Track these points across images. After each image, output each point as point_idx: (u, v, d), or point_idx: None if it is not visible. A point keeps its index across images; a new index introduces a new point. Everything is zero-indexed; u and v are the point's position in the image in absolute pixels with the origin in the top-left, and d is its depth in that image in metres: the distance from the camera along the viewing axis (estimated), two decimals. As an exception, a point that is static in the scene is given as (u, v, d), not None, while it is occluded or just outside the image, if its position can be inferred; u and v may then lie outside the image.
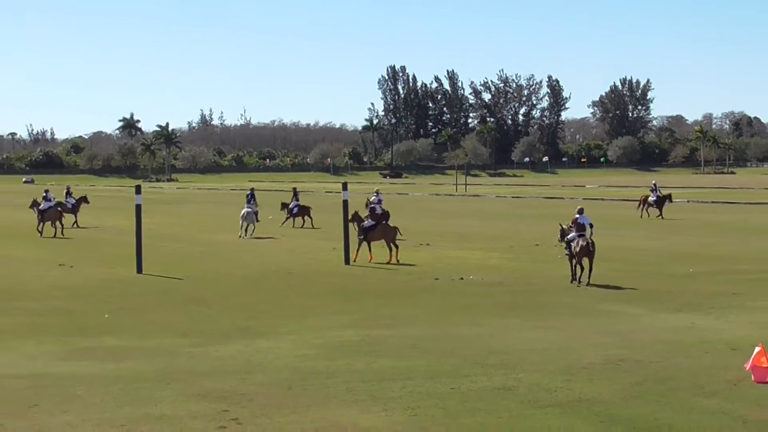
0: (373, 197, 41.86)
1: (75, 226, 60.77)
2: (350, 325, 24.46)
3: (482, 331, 23.34)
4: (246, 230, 52.94)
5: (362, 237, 39.93)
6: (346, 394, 16.93)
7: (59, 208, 57.72)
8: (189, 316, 26.44)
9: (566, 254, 33.02)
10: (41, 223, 55.07)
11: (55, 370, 19.37)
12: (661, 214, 65.09)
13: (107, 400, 16.71)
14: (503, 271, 35.47)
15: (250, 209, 54.64)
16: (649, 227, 56.80)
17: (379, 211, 41.17)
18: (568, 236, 32.96)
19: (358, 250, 39.61)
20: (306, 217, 60.33)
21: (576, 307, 27.08)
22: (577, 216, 33.10)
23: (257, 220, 54.70)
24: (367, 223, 40.38)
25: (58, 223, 54.91)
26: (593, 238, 32.74)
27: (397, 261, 38.57)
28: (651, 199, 67.00)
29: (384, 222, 40.28)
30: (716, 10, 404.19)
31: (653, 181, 78.69)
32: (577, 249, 32.01)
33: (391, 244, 39.40)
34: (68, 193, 64.68)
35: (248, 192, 59.34)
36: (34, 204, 56.64)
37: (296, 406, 16.09)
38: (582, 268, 32.09)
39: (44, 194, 56.67)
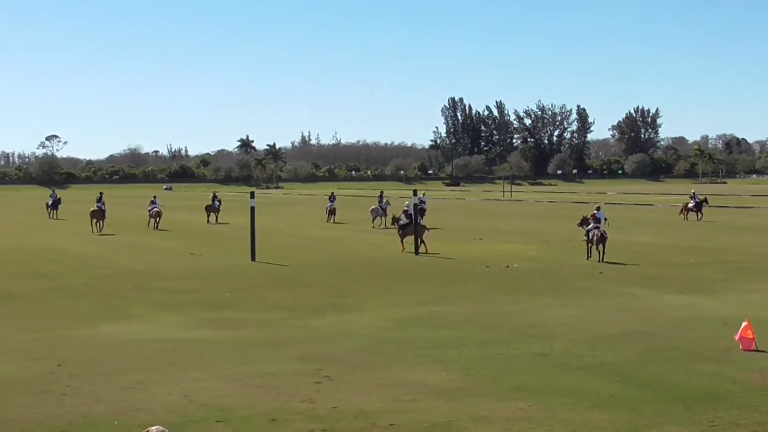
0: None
1: (216, 222, 62.82)
2: (418, 303, 24.46)
3: (523, 308, 23.24)
4: (374, 222, 56.12)
5: (401, 233, 40.73)
6: (415, 357, 16.93)
7: (215, 206, 64.16)
8: (291, 294, 26.58)
9: (584, 239, 35.88)
10: (149, 219, 58.45)
11: (188, 336, 19.59)
12: (700, 217, 61.28)
13: (227, 359, 16.86)
14: (540, 261, 35.26)
15: (376, 206, 58.13)
16: (657, 226, 56.04)
17: (411, 211, 41.29)
18: (588, 227, 35.57)
19: (402, 242, 40.41)
20: (333, 216, 62.82)
21: (598, 290, 26.88)
22: (595, 212, 36.02)
23: (385, 214, 56.95)
24: (403, 221, 41.22)
25: (158, 219, 57.69)
26: (605, 228, 35.20)
27: (426, 251, 38.32)
28: (690, 204, 63.27)
29: (416, 222, 40.59)
30: (713, 54, 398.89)
31: (692, 190, 75.27)
32: (594, 238, 34.77)
33: (421, 239, 39.24)
34: (214, 198, 66.35)
35: (380, 192, 63.20)
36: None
37: (375, 366, 16.12)
38: (598, 252, 34.40)
39: (152, 199, 60.86)
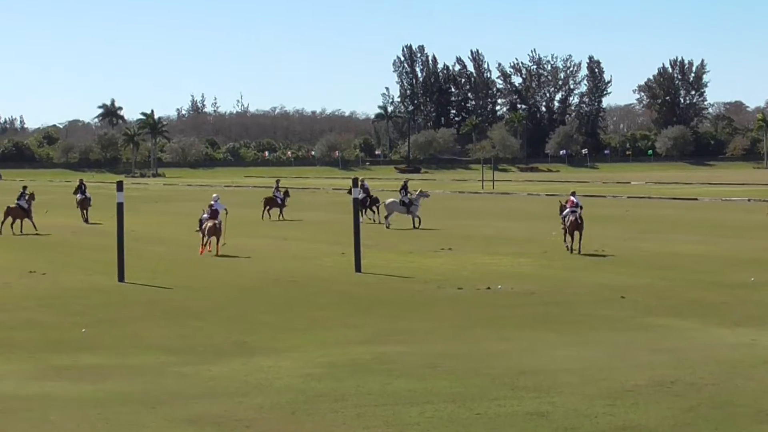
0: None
1: (86, 222, 65.21)
2: (361, 341, 24.50)
3: (512, 348, 23.34)
4: (388, 219, 59.18)
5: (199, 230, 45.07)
6: (356, 419, 16.91)
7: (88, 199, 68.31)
8: (178, 330, 26.48)
9: (561, 227, 44.21)
10: None
11: (25, 392, 19.39)
12: None
13: (84, 426, 16.70)
14: (536, 280, 35.45)
15: (394, 199, 61.05)
16: (703, 230, 56.41)
17: (216, 206, 45.76)
18: (563, 213, 43.46)
19: (202, 244, 44.70)
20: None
21: (618, 321, 27.05)
22: (572, 198, 44.01)
23: (416, 210, 59.85)
24: (205, 217, 45.07)
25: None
26: (582, 214, 42.69)
27: (217, 254, 43.69)
28: None
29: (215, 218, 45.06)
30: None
31: None
32: (568, 223, 42.62)
33: (217, 238, 44.50)
34: (83, 187, 68.78)
35: (403, 182, 65.59)
36: None
37: (299, 434, 16.09)
38: (572, 239, 42.70)
39: None
